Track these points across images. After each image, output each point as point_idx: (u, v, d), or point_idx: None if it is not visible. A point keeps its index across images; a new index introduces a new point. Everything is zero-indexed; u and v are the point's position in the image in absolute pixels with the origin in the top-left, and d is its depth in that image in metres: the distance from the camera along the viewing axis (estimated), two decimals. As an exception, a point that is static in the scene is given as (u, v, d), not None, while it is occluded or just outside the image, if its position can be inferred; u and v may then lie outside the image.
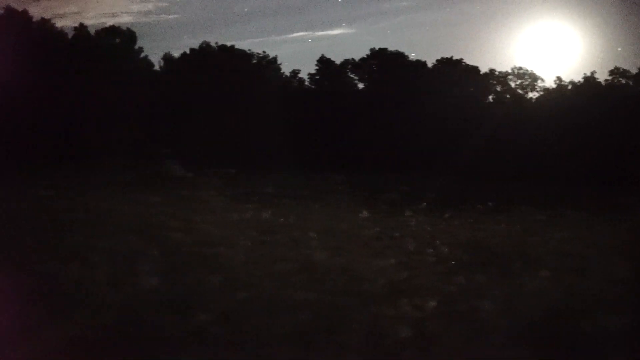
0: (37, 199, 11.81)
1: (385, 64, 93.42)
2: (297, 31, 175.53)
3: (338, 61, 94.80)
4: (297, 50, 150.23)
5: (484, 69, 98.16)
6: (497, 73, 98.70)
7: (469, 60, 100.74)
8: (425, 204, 16.08)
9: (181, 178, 11.27)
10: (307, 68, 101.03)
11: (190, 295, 7.53)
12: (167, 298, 7.45)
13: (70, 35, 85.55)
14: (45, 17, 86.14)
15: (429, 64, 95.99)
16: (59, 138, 63.36)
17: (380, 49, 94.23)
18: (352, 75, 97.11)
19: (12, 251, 8.67)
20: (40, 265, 8.17)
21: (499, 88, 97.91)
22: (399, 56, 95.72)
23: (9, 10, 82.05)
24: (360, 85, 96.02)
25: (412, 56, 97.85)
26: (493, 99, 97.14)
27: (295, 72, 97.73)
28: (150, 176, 13.94)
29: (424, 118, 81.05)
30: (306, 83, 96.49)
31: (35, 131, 63.64)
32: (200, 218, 10.29)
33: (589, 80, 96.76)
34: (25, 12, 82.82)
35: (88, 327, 6.73)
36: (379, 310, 7.28)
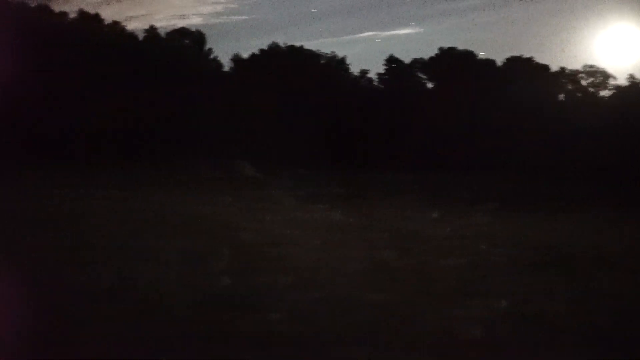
0: (111, 199, 11.99)
1: (454, 63, 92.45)
2: (366, 31, 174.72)
3: (407, 60, 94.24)
4: (365, 50, 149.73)
5: (554, 67, 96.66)
6: (567, 71, 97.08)
7: (539, 59, 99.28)
8: (494, 203, 15.89)
9: (252, 178, 11.35)
10: (375, 68, 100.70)
11: (261, 294, 7.58)
12: (238, 297, 7.51)
13: (141, 37, 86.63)
14: (117, 20, 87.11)
15: (498, 63, 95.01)
16: (130, 138, 64.15)
17: (449, 47, 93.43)
18: (420, 75, 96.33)
19: (89, 250, 8.83)
20: (115, 265, 8.31)
21: (570, 86, 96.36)
22: (468, 55, 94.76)
23: (82, 13, 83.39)
24: (429, 85, 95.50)
25: (481, 55, 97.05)
26: (564, 97, 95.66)
27: (363, 72, 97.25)
28: (221, 176, 14.09)
29: (492, 117, 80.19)
30: (375, 83, 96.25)
31: (107, 131, 64.55)
32: (270, 218, 10.36)
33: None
34: (97, 15, 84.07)
35: (162, 325, 6.83)
36: (450, 310, 7.25)
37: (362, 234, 10.22)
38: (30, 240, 9.27)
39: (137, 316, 7.01)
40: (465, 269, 8.80)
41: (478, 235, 11.12)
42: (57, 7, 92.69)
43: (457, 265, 8.91)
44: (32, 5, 79.65)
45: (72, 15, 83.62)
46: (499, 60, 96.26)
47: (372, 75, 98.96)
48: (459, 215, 13.83)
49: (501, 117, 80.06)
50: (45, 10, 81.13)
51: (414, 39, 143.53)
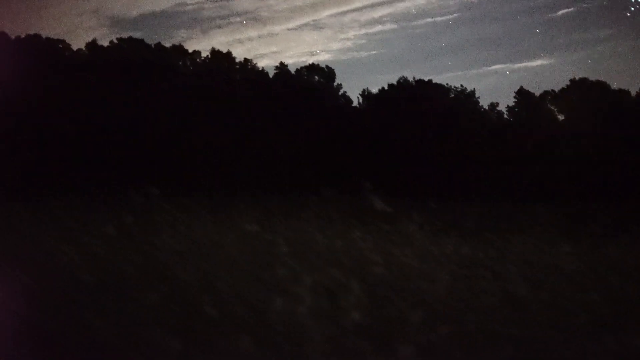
0: (244, 230, 12.18)
1: (585, 94, 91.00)
2: (495, 64, 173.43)
3: (537, 93, 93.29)
4: (495, 83, 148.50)
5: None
6: None
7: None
8: (631, 237, 15.45)
9: (382, 212, 11.34)
10: (505, 100, 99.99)
11: (392, 329, 7.57)
12: (369, 331, 7.51)
13: (271, 74, 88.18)
14: (248, 57, 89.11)
15: (633, 93, 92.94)
16: (260, 170, 65.21)
17: (580, 78, 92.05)
18: (551, 107, 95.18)
19: (219, 282, 8.97)
20: (247, 297, 8.43)
21: None
22: (600, 86, 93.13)
23: (214, 52, 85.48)
24: (560, 117, 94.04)
25: (614, 85, 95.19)
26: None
27: (493, 105, 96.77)
28: (352, 210, 14.10)
29: (626, 148, 78.33)
30: (505, 115, 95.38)
31: (238, 163, 65.79)
32: (400, 252, 10.32)
33: None
34: (229, 54, 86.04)
35: (293, 358, 6.89)
36: (584, 346, 7.10)
37: (493, 267, 10.07)
38: (170, 270, 9.50)
39: (269, 348, 7.09)
40: (599, 304, 8.57)
41: (613, 269, 10.81)
42: (190, 47, 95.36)
43: (592, 299, 8.68)
44: (168, 46, 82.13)
45: (205, 54, 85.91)
46: (634, 90, 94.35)
47: (502, 108, 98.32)
48: (593, 248, 13.48)
49: (636, 147, 78.14)
50: (180, 50, 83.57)
51: (544, 71, 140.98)
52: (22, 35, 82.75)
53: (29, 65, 66.84)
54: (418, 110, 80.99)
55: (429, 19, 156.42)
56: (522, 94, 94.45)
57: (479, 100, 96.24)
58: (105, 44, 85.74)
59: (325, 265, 9.82)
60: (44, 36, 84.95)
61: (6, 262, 10.18)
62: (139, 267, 9.65)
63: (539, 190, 62.89)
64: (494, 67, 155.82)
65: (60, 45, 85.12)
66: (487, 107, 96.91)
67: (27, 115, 65.68)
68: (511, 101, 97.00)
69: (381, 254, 10.18)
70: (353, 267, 9.77)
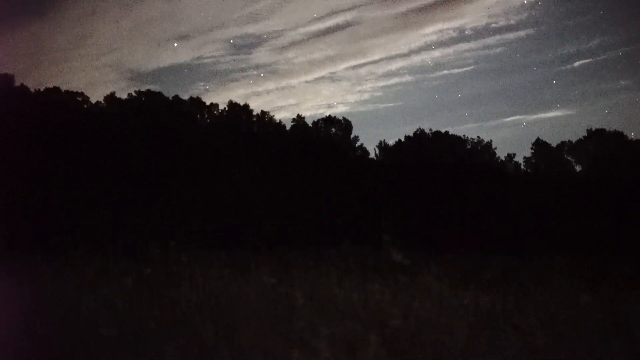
0: (265, 285, 12.21)
1: (603, 145, 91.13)
2: (512, 115, 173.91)
3: (554, 144, 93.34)
4: (512, 134, 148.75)
5: None
6: None
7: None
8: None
9: (400, 264, 11.35)
10: (522, 152, 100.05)
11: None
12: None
13: (288, 126, 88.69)
14: (265, 110, 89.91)
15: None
16: (276, 223, 65.31)
17: (597, 129, 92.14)
18: (569, 158, 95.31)
19: (236, 335, 8.98)
20: (265, 350, 8.43)
21: None
22: (618, 136, 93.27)
23: (231, 104, 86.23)
24: (578, 168, 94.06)
25: (632, 135, 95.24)
26: None
27: (510, 156, 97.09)
28: (369, 262, 14.12)
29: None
30: (522, 166, 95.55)
31: (254, 216, 65.91)
32: (419, 304, 10.31)
33: None
34: (246, 106, 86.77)
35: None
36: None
37: (513, 320, 10.04)
38: (188, 323, 9.52)
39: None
40: (623, 355, 8.52)
41: (635, 319, 10.74)
42: (208, 99, 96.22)
43: (614, 351, 8.64)
44: (186, 99, 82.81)
45: (222, 106, 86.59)
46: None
47: (519, 159, 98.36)
48: (613, 298, 13.39)
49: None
50: (198, 102, 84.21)
51: (561, 122, 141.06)
52: (42, 88, 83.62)
53: (49, 118, 67.47)
54: (435, 162, 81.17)
55: (446, 71, 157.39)
56: (539, 145, 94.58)
57: (496, 151, 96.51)
58: (124, 96, 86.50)
59: (343, 318, 9.81)
60: (63, 89, 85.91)
61: (25, 313, 10.22)
62: (157, 320, 9.68)
63: (557, 241, 62.68)
64: (510, 119, 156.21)
65: (79, 98, 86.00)
66: (504, 159, 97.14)
67: (46, 166, 66.19)
68: (528, 152, 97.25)
69: (399, 306, 10.17)
70: (371, 319, 9.75)
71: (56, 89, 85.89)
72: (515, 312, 10.92)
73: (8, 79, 77.16)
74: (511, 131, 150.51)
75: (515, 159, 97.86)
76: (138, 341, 8.92)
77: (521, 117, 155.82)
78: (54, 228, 51.06)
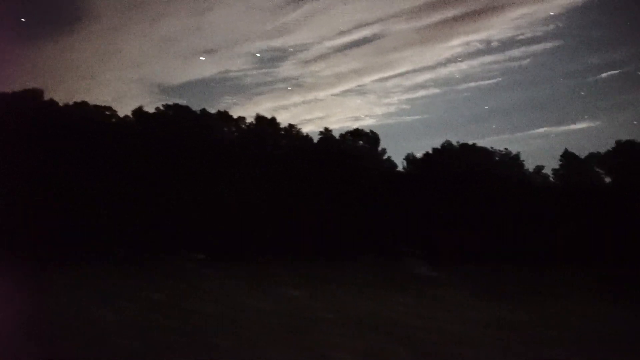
0: (288, 298, 12.24)
1: (633, 156, 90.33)
2: (540, 127, 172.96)
3: (583, 155, 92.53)
4: (540, 146, 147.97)
5: None
6: None
7: None
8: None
9: (424, 276, 11.35)
10: (550, 163, 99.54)
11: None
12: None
13: (315, 139, 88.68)
14: (292, 123, 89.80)
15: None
16: (304, 236, 65.24)
17: (626, 140, 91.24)
18: (598, 169, 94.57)
19: (258, 350, 8.99)
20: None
21: None
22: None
23: (259, 117, 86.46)
24: (607, 179, 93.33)
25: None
26: None
27: (539, 168, 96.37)
28: (392, 275, 14.13)
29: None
30: (550, 178, 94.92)
31: (282, 229, 65.97)
32: (441, 316, 10.30)
33: None
34: (273, 119, 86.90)
35: None
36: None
37: (532, 331, 10.01)
38: (211, 338, 9.55)
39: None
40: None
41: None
42: (235, 113, 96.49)
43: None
44: (213, 112, 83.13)
45: (250, 119, 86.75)
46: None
47: (547, 171, 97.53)
48: (633, 310, 13.31)
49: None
50: (224, 116, 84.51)
51: (589, 133, 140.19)
52: (71, 103, 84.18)
53: (77, 132, 68.00)
54: (462, 174, 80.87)
55: (473, 83, 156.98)
56: (568, 157, 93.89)
57: (524, 163, 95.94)
58: (152, 110, 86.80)
59: (368, 330, 9.82)
60: (91, 103, 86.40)
61: (42, 325, 10.28)
62: (174, 333, 9.70)
63: (586, 254, 62.21)
64: (538, 131, 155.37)
65: (107, 112, 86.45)
66: (532, 170, 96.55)
67: (72, 179, 66.63)
68: (556, 164, 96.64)
69: (422, 319, 10.17)
70: (394, 332, 9.76)
71: (84, 103, 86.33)
72: (535, 324, 10.87)
73: (37, 93, 77.67)
74: (539, 143, 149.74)
75: (544, 171, 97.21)
76: (154, 355, 8.95)
77: (549, 128, 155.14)
78: (73, 241, 51.40)
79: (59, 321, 10.91)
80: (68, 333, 9.99)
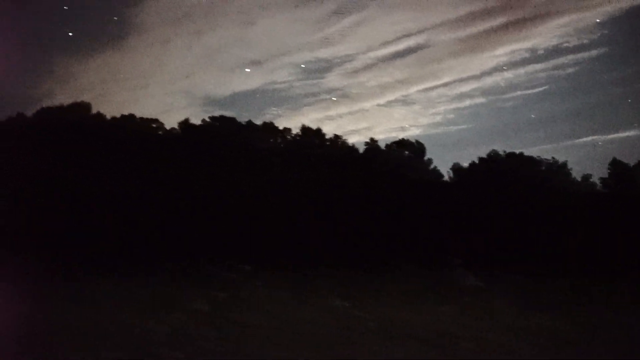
0: (332, 308, 12.25)
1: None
2: (587, 135, 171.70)
3: (631, 163, 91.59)
4: (587, 155, 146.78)
5: None
6: None
7: None
8: None
9: (470, 286, 11.33)
10: (598, 172, 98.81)
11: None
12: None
13: (361, 150, 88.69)
14: (338, 134, 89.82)
15: None
16: (349, 247, 65.18)
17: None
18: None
19: (309, 354, 9.01)
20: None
21: None
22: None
23: (304, 128, 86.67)
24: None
25: None
26: None
27: (586, 177, 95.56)
28: (438, 285, 14.09)
29: None
30: (598, 187, 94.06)
31: (326, 239, 65.95)
32: (486, 326, 10.26)
33: None
34: (319, 130, 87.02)
35: None
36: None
37: (580, 344, 9.93)
38: (259, 349, 9.58)
39: None
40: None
41: None
42: (280, 124, 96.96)
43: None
44: (259, 124, 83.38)
45: (295, 131, 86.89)
46: None
47: (595, 179, 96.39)
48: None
49: None
50: (270, 127, 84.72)
51: (638, 141, 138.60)
52: (118, 116, 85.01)
53: (125, 144, 68.66)
54: (509, 183, 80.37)
55: (519, 92, 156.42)
56: (616, 165, 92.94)
57: (571, 172, 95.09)
58: (198, 122, 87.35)
59: (412, 341, 9.81)
60: (138, 116, 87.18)
61: (86, 335, 10.37)
62: (218, 343, 9.74)
63: (628, 264, 61.50)
64: (585, 139, 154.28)
65: (154, 125, 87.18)
66: (579, 179, 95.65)
67: (120, 191, 67.31)
68: (605, 173, 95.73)
69: (467, 329, 10.13)
70: (439, 342, 9.73)
71: (131, 116, 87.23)
72: (582, 337, 10.76)
73: (85, 107, 78.62)
74: (586, 151, 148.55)
75: (592, 180, 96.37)
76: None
77: (596, 137, 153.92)
78: (119, 252, 51.91)
79: (102, 332, 10.99)
80: (113, 344, 10.06)
